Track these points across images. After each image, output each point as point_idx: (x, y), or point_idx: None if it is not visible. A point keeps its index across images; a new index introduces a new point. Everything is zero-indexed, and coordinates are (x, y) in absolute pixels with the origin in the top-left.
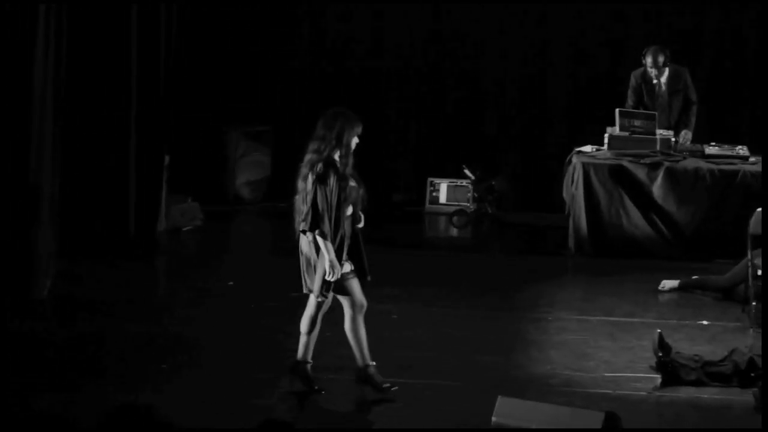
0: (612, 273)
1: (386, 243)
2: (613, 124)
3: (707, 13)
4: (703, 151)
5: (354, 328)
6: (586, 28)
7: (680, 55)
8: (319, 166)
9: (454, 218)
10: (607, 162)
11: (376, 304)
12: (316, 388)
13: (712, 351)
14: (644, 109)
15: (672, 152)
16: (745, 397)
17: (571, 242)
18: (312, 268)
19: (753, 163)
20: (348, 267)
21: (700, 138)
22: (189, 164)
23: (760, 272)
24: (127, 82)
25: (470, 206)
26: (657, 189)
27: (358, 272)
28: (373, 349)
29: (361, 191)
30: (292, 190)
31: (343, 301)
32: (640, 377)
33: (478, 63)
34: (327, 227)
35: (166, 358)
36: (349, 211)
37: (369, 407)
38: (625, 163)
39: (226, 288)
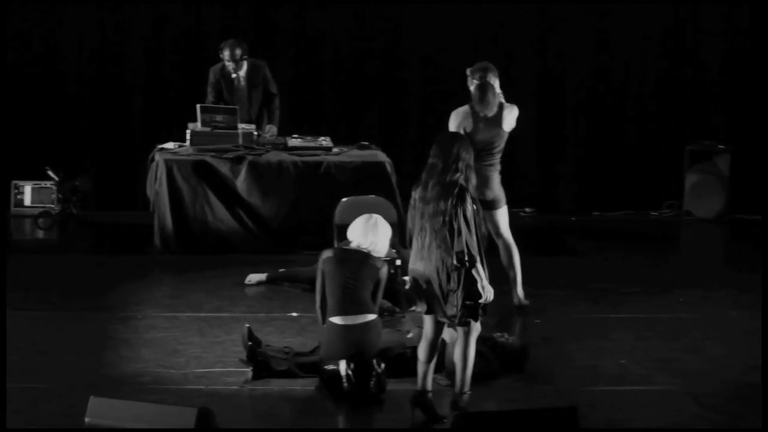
0: (199, 269)
1: None
2: (194, 120)
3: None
4: (286, 144)
5: (465, 354)
6: (163, 25)
7: (260, 49)
8: (454, 194)
9: (40, 220)
10: (190, 158)
11: None
12: (440, 415)
13: (302, 342)
14: (225, 104)
15: (255, 146)
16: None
17: (156, 240)
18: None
19: (336, 154)
20: None
21: (286, 130)
22: None
23: None
24: None
25: (55, 207)
26: (241, 183)
27: None
28: None
29: None
30: None
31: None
32: (231, 371)
33: (58, 62)
34: (477, 252)
35: None
36: None
37: None
38: (208, 158)
39: None
